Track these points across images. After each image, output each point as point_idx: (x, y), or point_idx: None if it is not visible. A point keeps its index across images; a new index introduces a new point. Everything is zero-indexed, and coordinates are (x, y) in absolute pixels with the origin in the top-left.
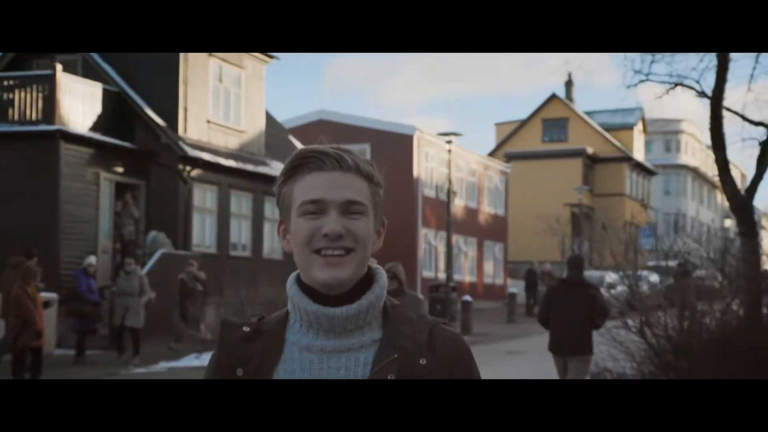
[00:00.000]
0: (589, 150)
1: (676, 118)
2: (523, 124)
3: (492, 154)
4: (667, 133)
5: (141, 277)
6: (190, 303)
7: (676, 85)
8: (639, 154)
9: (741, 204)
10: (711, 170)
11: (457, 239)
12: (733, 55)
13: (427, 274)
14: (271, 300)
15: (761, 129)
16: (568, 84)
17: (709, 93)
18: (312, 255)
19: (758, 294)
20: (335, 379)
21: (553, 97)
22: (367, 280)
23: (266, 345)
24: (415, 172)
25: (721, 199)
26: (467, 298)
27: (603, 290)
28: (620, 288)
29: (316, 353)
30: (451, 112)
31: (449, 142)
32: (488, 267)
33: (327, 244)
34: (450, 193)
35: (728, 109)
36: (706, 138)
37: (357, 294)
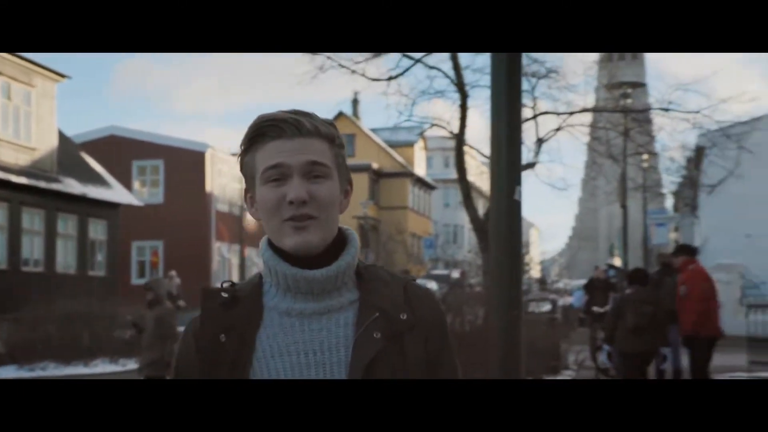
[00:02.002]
0: (375, 165)
1: (454, 133)
2: None
3: None
4: (445, 150)
5: None
6: None
7: (432, 125)
8: (420, 169)
9: (481, 226)
10: (485, 185)
11: (249, 252)
12: (472, 100)
13: None
14: (68, 313)
15: None
16: (355, 102)
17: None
18: (281, 223)
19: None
20: (321, 376)
21: (340, 114)
22: (339, 242)
23: (245, 311)
24: (208, 188)
25: None
26: None
27: None
28: None
29: (296, 317)
30: (244, 125)
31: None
32: None
33: (293, 212)
34: (243, 209)
35: (470, 146)
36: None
37: (331, 256)
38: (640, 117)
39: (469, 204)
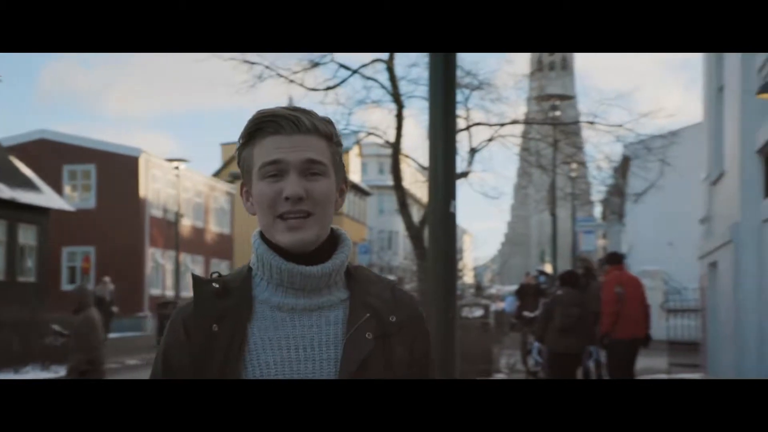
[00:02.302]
0: None
1: (389, 142)
2: None
3: (218, 173)
4: (380, 156)
5: None
6: None
7: (369, 134)
8: (356, 176)
9: (416, 233)
10: (420, 192)
11: (184, 258)
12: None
13: (155, 291)
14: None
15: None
16: None
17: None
18: (276, 219)
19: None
20: (313, 372)
21: None
22: (331, 240)
23: (236, 302)
24: (142, 193)
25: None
26: None
27: None
28: None
29: (287, 311)
30: (178, 128)
31: (177, 168)
32: None
33: (289, 209)
34: (178, 215)
35: (405, 155)
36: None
37: (324, 253)
38: (568, 129)
39: (405, 211)
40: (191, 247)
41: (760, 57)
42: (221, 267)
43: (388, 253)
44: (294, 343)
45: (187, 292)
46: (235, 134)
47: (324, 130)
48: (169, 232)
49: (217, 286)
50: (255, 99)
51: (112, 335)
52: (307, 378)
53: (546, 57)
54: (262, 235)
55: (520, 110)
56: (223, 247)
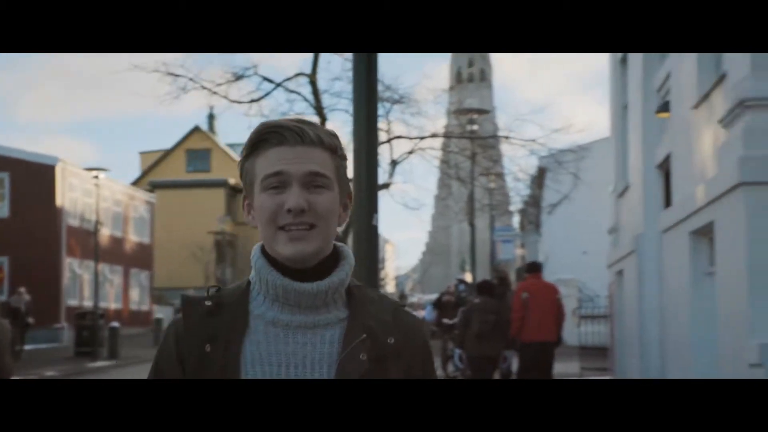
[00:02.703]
0: (231, 180)
1: None
2: (168, 153)
3: (137, 182)
4: None
5: None
6: None
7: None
8: None
9: (338, 239)
10: None
11: (103, 267)
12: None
13: (72, 302)
14: None
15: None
16: (211, 117)
17: None
18: (277, 231)
19: None
20: (310, 377)
21: (196, 129)
22: (333, 257)
23: (231, 318)
24: (59, 202)
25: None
26: (115, 324)
27: None
28: None
29: (281, 327)
30: (95, 135)
31: (96, 177)
32: (134, 294)
33: (291, 220)
34: (97, 224)
35: None
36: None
37: (324, 270)
38: (486, 143)
39: None
40: (110, 256)
41: (659, 77)
42: (140, 277)
43: None
44: (285, 360)
45: (105, 303)
46: (153, 142)
47: (329, 143)
48: (86, 242)
49: (209, 304)
50: (176, 108)
51: (28, 347)
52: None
53: (465, 70)
54: (262, 249)
55: (440, 123)
56: (143, 256)
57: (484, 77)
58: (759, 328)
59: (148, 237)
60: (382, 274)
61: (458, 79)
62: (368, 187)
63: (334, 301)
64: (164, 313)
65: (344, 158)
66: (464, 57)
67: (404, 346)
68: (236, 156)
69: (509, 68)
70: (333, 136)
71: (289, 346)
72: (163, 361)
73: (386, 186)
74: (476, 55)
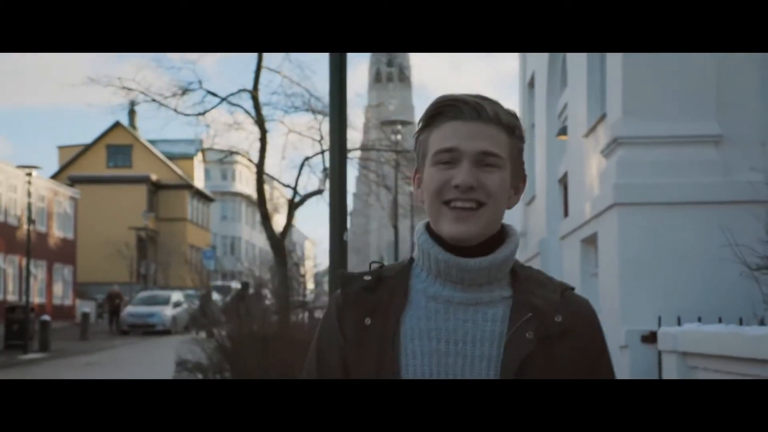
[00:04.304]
0: (153, 177)
1: (231, 150)
2: (88, 148)
3: (55, 176)
4: (223, 163)
5: None
6: None
7: (232, 153)
8: (199, 181)
9: (277, 242)
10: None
11: (25, 262)
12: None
13: None
14: None
15: (289, 189)
16: (131, 112)
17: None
18: (442, 206)
19: (287, 306)
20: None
21: (117, 124)
22: (500, 235)
23: (391, 292)
24: None
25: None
26: (46, 317)
27: (169, 308)
28: (185, 305)
29: (442, 303)
30: (10, 129)
31: (29, 174)
32: (58, 289)
33: (457, 196)
34: (30, 220)
35: (268, 175)
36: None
37: (488, 247)
38: (408, 155)
39: (268, 225)
40: (34, 252)
41: (560, 104)
42: (64, 272)
43: (231, 259)
44: (445, 336)
45: (29, 297)
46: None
47: (506, 121)
48: (9, 237)
49: (369, 279)
50: (87, 96)
51: None
52: (456, 373)
53: (384, 69)
54: (427, 226)
55: (370, 136)
56: (66, 252)
57: (403, 78)
58: (626, 317)
59: (71, 232)
60: (301, 270)
61: (377, 79)
62: (340, 211)
63: (497, 279)
64: (89, 307)
65: (522, 140)
66: (383, 57)
67: (573, 324)
68: (158, 152)
69: (428, 68)
70: (512, 115)
71: (449, 322)
72: (326, 333)
73: (320, 192)
74: (396, 55)
